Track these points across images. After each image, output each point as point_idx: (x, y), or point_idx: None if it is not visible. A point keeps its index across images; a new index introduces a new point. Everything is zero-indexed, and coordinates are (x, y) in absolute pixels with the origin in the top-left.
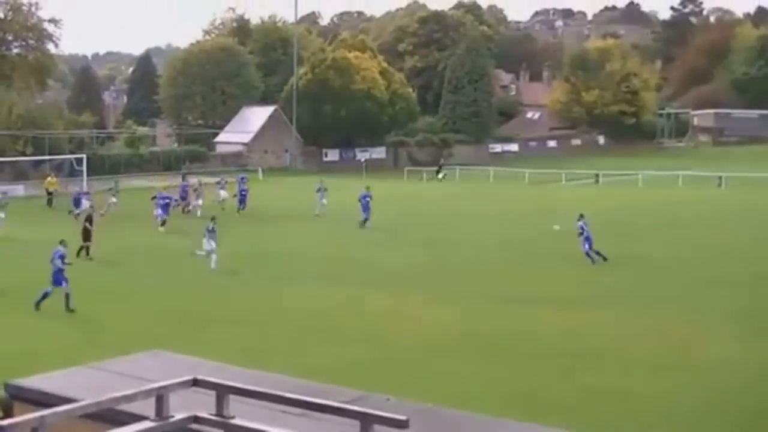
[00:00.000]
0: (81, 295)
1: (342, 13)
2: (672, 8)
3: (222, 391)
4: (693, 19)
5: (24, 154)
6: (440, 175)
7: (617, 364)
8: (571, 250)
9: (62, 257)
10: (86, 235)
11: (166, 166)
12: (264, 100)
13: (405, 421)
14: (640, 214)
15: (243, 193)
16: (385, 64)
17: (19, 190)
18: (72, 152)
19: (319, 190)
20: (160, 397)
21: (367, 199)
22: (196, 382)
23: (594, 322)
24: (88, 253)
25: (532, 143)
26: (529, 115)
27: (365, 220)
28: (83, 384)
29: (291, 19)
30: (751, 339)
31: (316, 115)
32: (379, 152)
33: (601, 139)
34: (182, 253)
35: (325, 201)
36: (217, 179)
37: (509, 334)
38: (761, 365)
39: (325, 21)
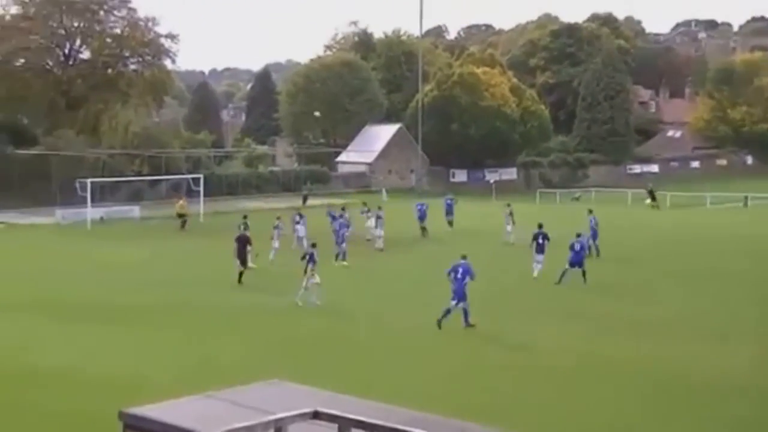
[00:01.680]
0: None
1: (469, 27)
2: None
3: (344, 425)
4: None
5: (140, 174)
6: (648, 201)
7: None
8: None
9: (470, 273)
10: (242, 258)
11: (286, 187)
12: (388, 118)
13: None
14: None
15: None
16: (515, 80)
17: (134, 211)
18: (189, 172)
19: (510, 214)
20: (279, 429)
21: (593, 223)
22: (316, 415)
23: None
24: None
25: (674, 164)
26: (670, 133)
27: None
28: (200, 414)
29: (416, 33)
30: None
31: (442, 134)
32: (509, 173)
33: (750, 159)
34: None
35: (510, 227)
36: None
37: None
38: None
39: (451, 35)
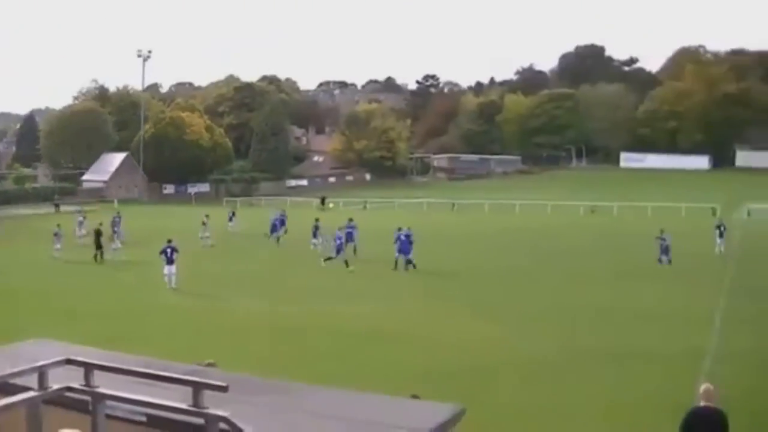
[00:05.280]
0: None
1: (177, 84)
2: (417, 81)
3: (88, 368)
4: (432, 90)
5: None
6: (330, 205)
7: (418, 343)
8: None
9: (407, 236)
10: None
11: (45, 199)
12: (119, 148)
13: (225, 387)
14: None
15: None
16: (209, 122)
17: None
18: None
19: (231, 218)
20: (41, 373)
21: (404, 236)
22: (68, 361)
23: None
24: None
25: (318, 179)
26: (315, 158)
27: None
28: None
29: (139, 87)
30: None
31: (158, 159)
32: (204, 187)
33: (368, 176)
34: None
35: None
36: (79, 218)
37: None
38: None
39: (165, 89)
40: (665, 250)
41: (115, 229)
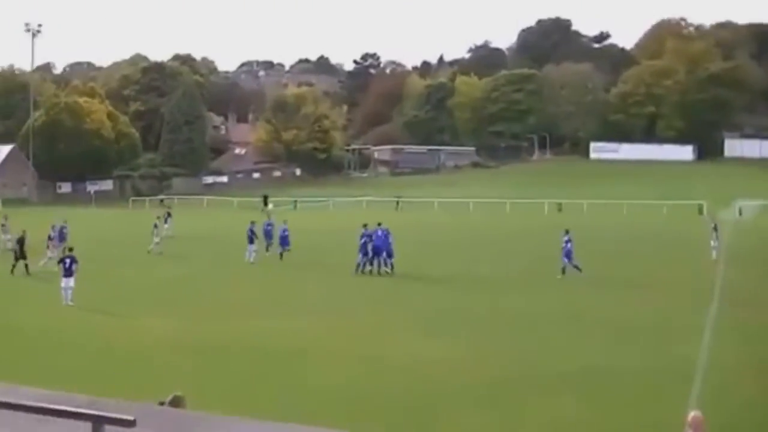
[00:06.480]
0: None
1: (74, 63)
2: (355, 61)
3: None
4: (372, 71)
5: None
6: (270, 206)
7: (319, 358)
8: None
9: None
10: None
11: None
12: (4, 140)
13: (133, 421)
14: (329, 233)
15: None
16: (111, 108)
17: None
18: None
19: (166, 220)
20: None
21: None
22: None
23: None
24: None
25: (240, 175)
26: (237, 151)
27: (360, 262)
28: None
29: (28, 68)
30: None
31: (51, 152)
32: (107, 184)
33: (298, 171)
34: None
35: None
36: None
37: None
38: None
39: (58, 70)
40: (568, 254)
41: (51, 234)
